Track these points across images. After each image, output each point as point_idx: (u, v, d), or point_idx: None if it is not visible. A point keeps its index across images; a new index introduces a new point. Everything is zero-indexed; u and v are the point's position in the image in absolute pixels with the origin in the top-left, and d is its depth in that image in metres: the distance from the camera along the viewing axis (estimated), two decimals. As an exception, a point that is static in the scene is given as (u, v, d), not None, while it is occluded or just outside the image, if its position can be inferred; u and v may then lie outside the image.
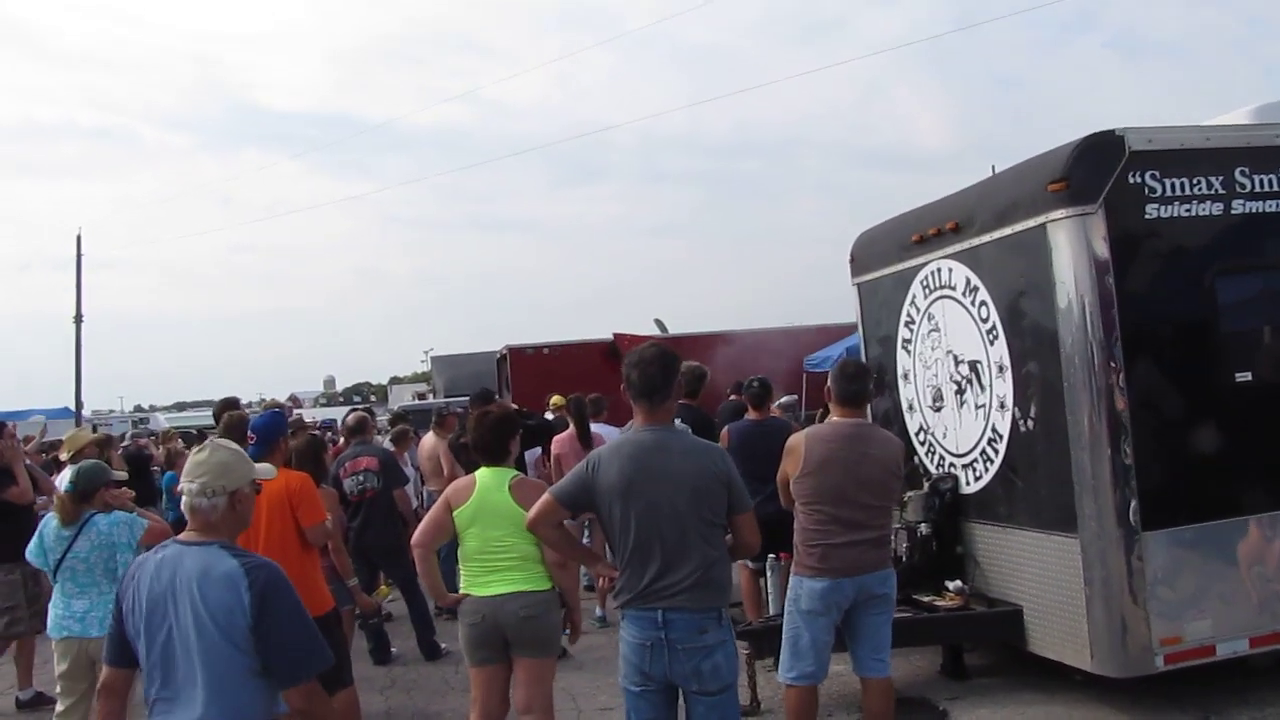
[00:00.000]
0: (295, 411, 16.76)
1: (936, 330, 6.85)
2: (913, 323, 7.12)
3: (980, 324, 6.35)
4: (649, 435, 4.09)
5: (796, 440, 5.31)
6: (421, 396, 36.98)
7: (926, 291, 6.92)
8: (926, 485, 6.80)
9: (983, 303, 6.30)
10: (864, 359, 7.83)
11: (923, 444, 7.11)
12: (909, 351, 7.20)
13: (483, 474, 5.01)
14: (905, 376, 7.27)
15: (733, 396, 12.68)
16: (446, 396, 25.05)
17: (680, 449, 4.11)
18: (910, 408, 7.24)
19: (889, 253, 7.39)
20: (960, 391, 6.63)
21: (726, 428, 7.97)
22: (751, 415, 7.93)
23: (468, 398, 22.00)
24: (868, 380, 5.61)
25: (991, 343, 6.25)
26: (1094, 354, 5.44)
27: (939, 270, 6.76)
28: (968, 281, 6.43)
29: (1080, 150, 5.56)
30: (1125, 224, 5.54)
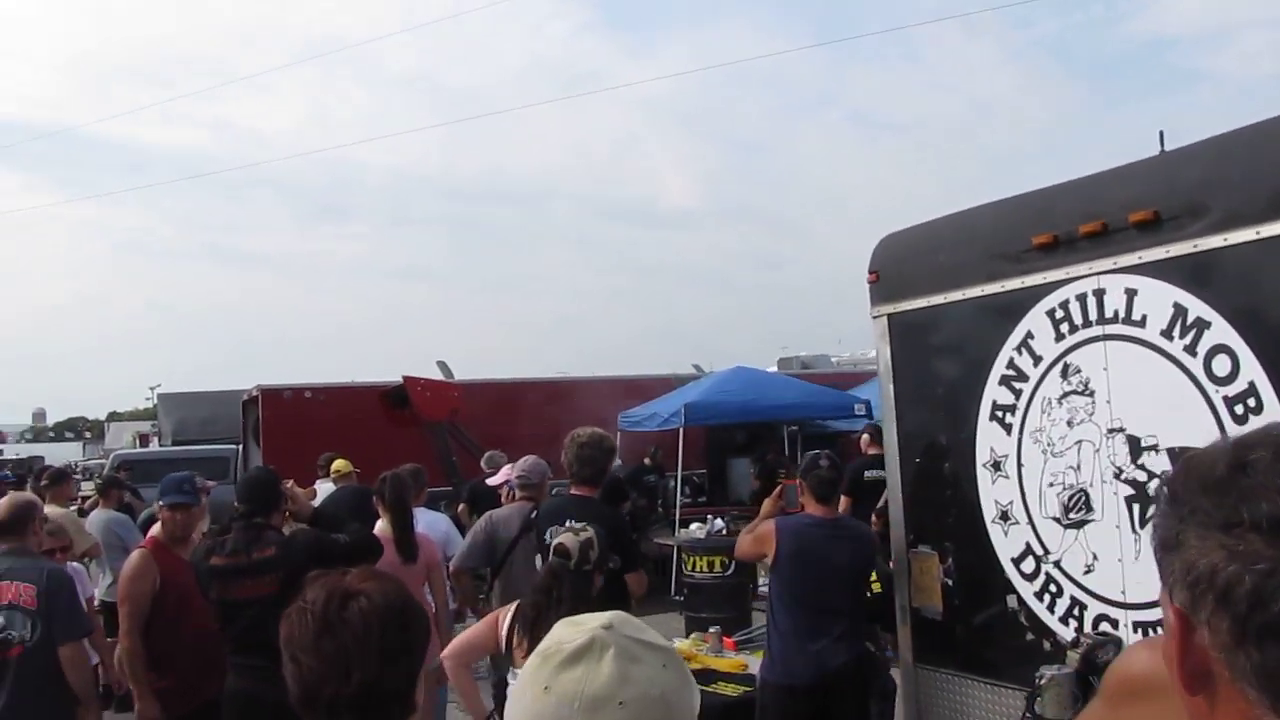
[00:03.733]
0: None
1: (1084, 394, 4.12)
2: (1020, 379, 4.37)
3: (1208, 387, 3.66)
4: None
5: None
6: (144, 437, 32.74)
7: (1062, 329, 4.19)
8: (1077, 657, 3.99)
9: (1218, 351, 3.63)
10: (890, 431, 5.04)
11: (1031, 577, 4.34)
12: (1007, 427, 4.44)
13: None
14: (996, 466, 4.49)
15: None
16: (175, 440, 20.67)
17: None
18: (1004, 517, 4.45)
19: (966, 265, 4.62)
20: (1143, 499, 3.91)
21: (775, 522, 5.07)
22: (814, 509, 5.13)
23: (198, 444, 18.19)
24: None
25: (1238, 419, 3.57)
26: None
27: (1096, 294, 4.05)
28: (1179, 314, 3.75)
29: None
30: None
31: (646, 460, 15.15)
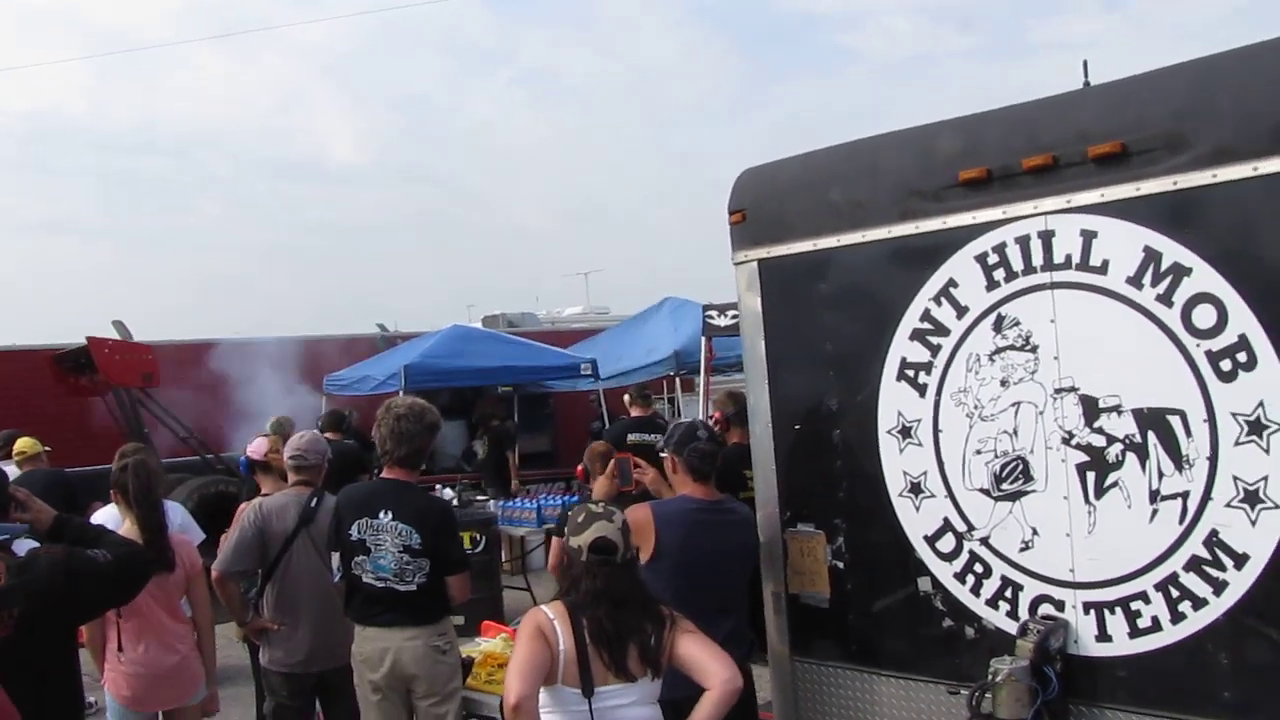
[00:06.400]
0: None
1: (1024, 349, 3.64)
2: (938, 333, 3.85)
3: (1186, 341, 3.27)
4: None
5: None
6: None
7: (995, 276, 3.70)
8: (1029, 646, 3.51)
9: (1200, 300, 3.24)
10: (760, 394, 4.42)
11: (950, 557, 3.85)
12: (920, 388, 3.91)
13: None
14: (906, 433, 3.95)
15: (328, 435, 8.49)
16: None
17: None
18: (915, 490, 3.93)
19: (870, 204, 4.03)
20: (1100, 467, 3.48)
21: (651, 509, 4.21)
22: (691, 490, 4.36)
23: None
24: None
25: (1224, 376, 3.20)
26: None
27: (1042, 236, 3.57)
28: (1150, 259, 3.33)
29: None
30: None
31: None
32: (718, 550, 4.20)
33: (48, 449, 7.21)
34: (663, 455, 4.47)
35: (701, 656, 3.38)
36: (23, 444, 7.09)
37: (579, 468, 6.77)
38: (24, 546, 3.82)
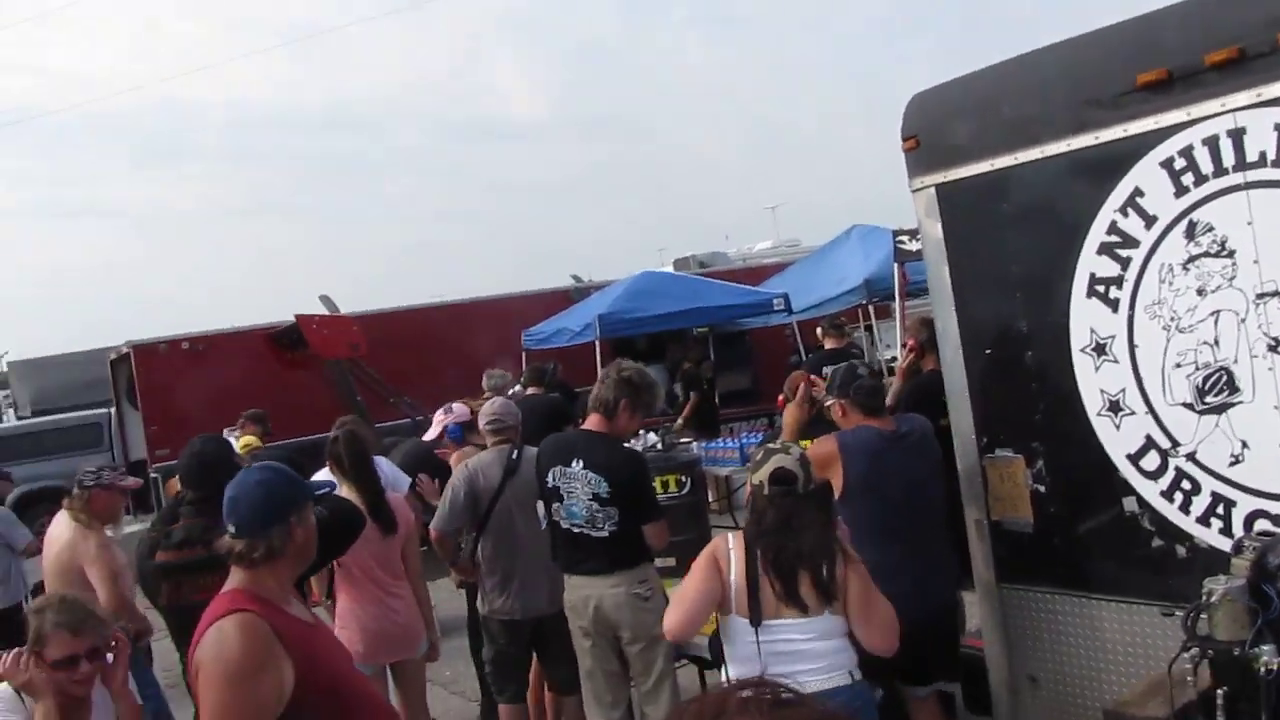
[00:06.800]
0: None
1: (1220, 255, 3.47)
2: (1127, 245, 3.70)
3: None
4: None
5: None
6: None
7: (1184, 181, 3.52)
8: (1245, 565, 3.39)
9: None
10: (948, 321, 4.36)
11: (1155, 475, 3.73)
12: (1112, 303, 3.78)
13: None
14: (1100, 350, 3.83)
15: (531, 390, 8.87)
16: (35, 410, 18.94)
17: None
18: (1114, 409, 3.81)
19: (1044, 118, 3.90)
20: (1313, 373, 3.30)
21: (836, 440, 4.34)
22: (869, 422, 4.45)
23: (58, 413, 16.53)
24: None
25: None
26: None
27: (1232, 134, 3.38)
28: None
29: None
30: None
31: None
32: (906, 477, 4.20)
33: (263, 443, 7.76)
34: (828, 405, 4.49)
35: (860, 615, 3.43)
36: (244, 444, 7.55)
37: (780, 398, 6.83)
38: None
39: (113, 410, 15.02)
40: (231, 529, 2.80)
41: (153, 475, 12.42)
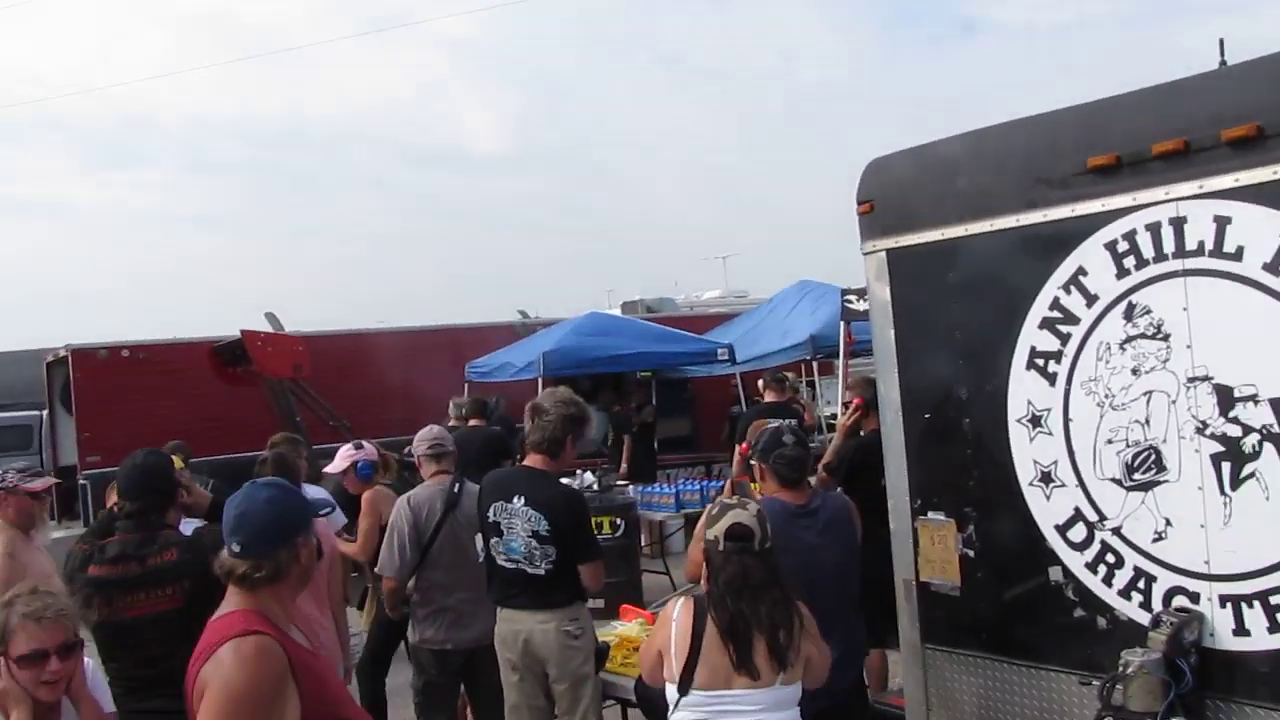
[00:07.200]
0: None
1: (1156, 338, 3.59)
2: (1068, 322, 3.82)
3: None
4: None
5: None
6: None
7: (1125, 264, 3.65)
8: (1161, 639, 3.48)
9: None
10: (890, 383, 4.45)
11: (1081, 546, 3.82)
12: (1050, 376, 3.89)
13: None
14: (1036, 422, 3.94)
15: (473, 422, 8.85)
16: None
17: None
18: (1045, 479, 3.91)
19: (997, 192, 4.02)
20: (1235, 458, 3.41)
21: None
22: (781, 493, 4.44)
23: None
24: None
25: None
26: None
27: (1174, 223, 3.51)
28: (1293, 243, 3.25)
29: None
30: None
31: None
32: (806, 557, 4.18)
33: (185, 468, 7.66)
34: (751, 464, 4.54)
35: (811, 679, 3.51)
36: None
37: (744, 444, 6.85)
38: (189, 526, 4.17)
39: (45, 413, 14.72)
40: (236, 548, 2.67)
41: (82, 482, 12.18)
